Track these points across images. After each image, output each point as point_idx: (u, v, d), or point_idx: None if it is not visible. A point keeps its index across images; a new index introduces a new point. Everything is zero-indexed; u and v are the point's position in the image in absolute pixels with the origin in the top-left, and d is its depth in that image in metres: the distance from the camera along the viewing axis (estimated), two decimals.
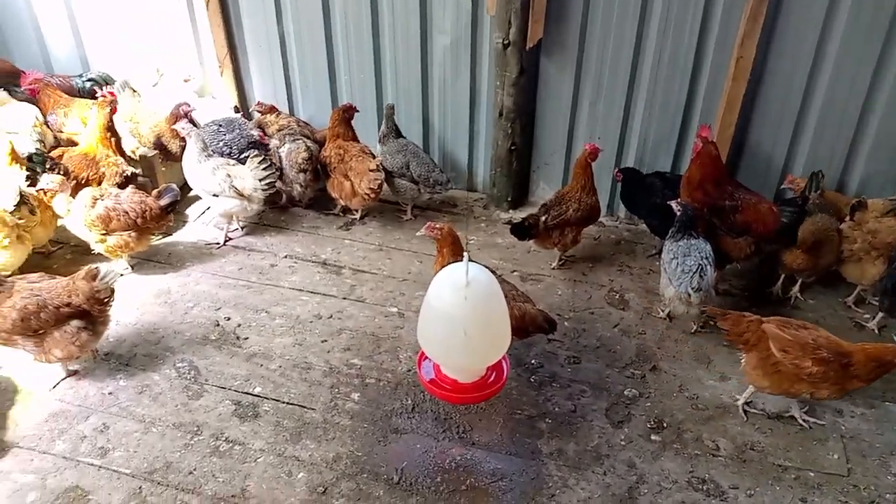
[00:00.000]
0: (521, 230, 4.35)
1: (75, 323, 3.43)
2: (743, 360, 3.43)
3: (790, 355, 3.18)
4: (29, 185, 4.10)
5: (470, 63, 4.89)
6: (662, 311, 4.14)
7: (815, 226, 4.05)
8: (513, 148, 4.90)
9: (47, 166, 4.20)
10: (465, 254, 2.92)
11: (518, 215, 5.06)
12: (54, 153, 4.51)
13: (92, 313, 3.47)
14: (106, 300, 3.49)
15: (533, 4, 4.33)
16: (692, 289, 3.69)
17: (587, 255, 4.72)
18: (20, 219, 3.99)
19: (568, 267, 4.60)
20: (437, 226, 3.65)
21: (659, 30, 4.41)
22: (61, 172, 4.27)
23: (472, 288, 2.85)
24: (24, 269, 3.99)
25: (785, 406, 3.50)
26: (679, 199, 4.03)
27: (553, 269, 4.57)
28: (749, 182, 4.35)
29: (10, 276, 3.59)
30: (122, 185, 4.48)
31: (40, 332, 3.38)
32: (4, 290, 3.36)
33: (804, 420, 3.44)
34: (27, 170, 4.12)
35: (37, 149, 4.40)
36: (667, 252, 3.93)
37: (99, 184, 4.44)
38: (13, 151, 4.15)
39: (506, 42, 4.46)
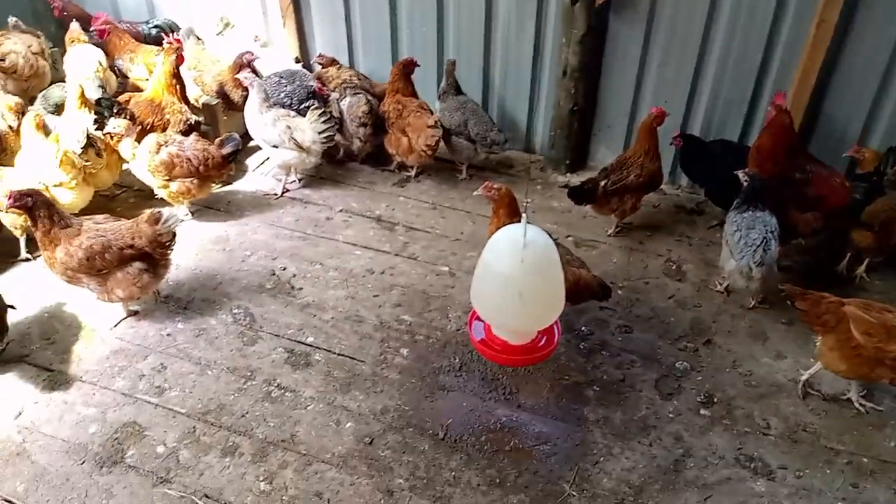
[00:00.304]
0: (580, 194, 4.26)
1: (137, 265, 3.53)
2: (818, 342, 3.31)
3: (873, 339, 3.03)
4: (97, 129, 4.20)
5: (535, 19, 4.74)
6: (720, 284, 4.03)
7: (887, 204, 3.84)
8: (574, 109, 4.77)
9: (114, 111, 4.29)
10: (523, 215, 2.88)
11: (576, 179, 4.96)
12: (121, 98, 4.61)
13: (153, 256, 3.57)
14: (167, 244, 3.58)
15: None
16: (754, 263, 3.56)
17: (645, 223, 4.61)
18: (87, 161, 4.10)
19: (624, 234, 4.50)
20: (495, 186, 3.61)
21: None
22: (128, 117, 4.35)
23: (530, 250, 2.82)
24: (90, 210, 4.11)
25: (842, 388, 3.38)
26: (747, 169, 3.88)
27: (609, 235, 4.48)
28: (820, 154, 4.15)
29: (75, 215, 3.71)
30: (185, 133, 4.56)
31: (103, 271, 3.50)
32: (73, 229, 3.48)
33: (861, 404, 3.32)
34: (95, 114, 4.22)
35: (104, 93, 4.49)
36: (730, 224, 3.80)
37: (163, 130, 4.53)
38: (83, 95, 4.25)
39: None
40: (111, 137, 4.18)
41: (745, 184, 3.80)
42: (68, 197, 4.05)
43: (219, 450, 3.06)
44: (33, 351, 3.56)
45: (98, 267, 3.46)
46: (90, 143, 4.10)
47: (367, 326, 3.76)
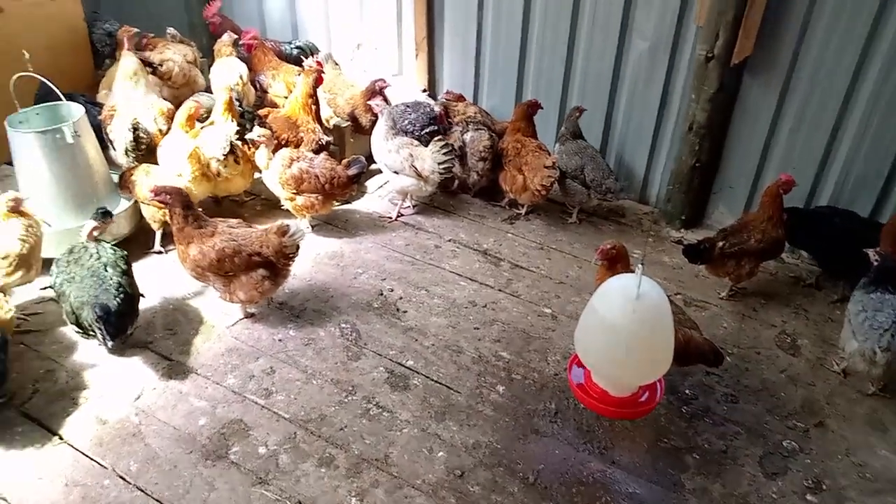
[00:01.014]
0: (695, 253, 4.18)
1: (261, 271, 3.73)
2: None
3: None
4: (238, 138, 4.49)
5: (665, 72, 4.74)
6: (838, 364, 3.84)
7: None
8: (696, 165, 4.70)
9: (255, 123, 4.57)
10: (639, 266, 2.86)
11: (690, 236, 4.87)
12: (260, 112, 4.91)
13: (276, 265, 3.76)
14: (290, 255, 3.77)
15: (746, 19, 4.10)
16: (879, 348, 3.38)
17: (760, 290, 4.45)
18: (225, 166, 4.39)
19: (738, 299, 4.36)
20: (608, 247, 3.54)
21: (887, 56, 4.04)
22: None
23: (642, 302, 2.80)
24: (221, 213, 4.38)
25: None
26: (877, 248, 3.70)
27: (721, 298, 4.36)
28: None
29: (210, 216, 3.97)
30: (316, 151, 4.80)
31: (230, 273, 3.72)
32: (207, 230, 3.73)
33: None
34: (237, 125, 4.51)
35: (246, 106, 4.80)
36: (855, 303, 3.62)
37: (297, 146, 4.78)
38: (230, 104, 4.56)
39: (709, 55, 4.27)
40: (252, 145, 4.45)
41: (876, 263, 3.62)
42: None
43: (316, 459, 3.17)
44: (156, 339, 3.81)
45: (226, 269, 3.69)
46: (231, 150, 4.39)
47: (466, 358, 3.81)
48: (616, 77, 4.97)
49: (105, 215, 3.76)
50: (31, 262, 3.73)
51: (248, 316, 3.99)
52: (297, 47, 5.90)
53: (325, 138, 4.91)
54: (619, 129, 5.17)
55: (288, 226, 3.74)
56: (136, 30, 5.12)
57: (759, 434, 3.44)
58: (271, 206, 4.84)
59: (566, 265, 4.63)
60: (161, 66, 5.23)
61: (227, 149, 4.35)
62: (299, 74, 4.95)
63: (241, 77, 5.27)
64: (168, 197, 3.71)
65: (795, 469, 3.27)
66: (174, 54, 5.35)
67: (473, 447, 3.28)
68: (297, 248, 3.78)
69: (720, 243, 4.11)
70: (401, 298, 4.21)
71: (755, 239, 4.09)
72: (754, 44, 4.27)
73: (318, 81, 4.89)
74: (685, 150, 4.71)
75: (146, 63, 5.06)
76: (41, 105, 4.32)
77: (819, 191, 4.59)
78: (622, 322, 2.92)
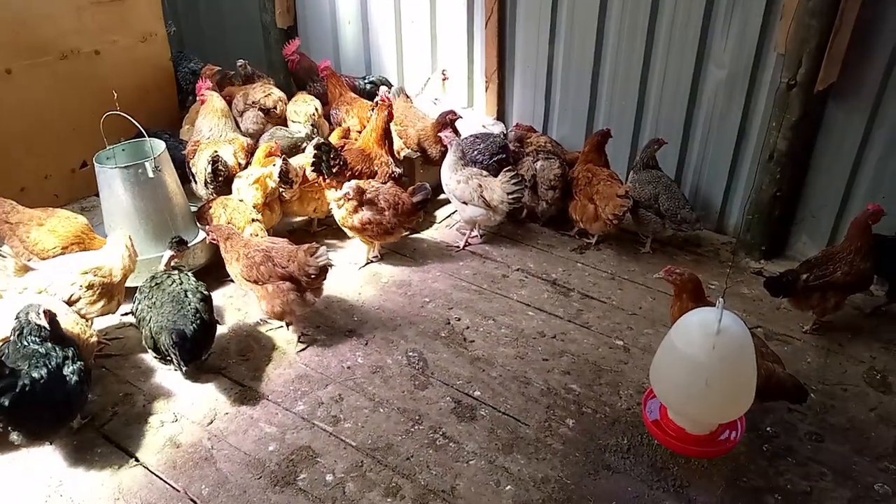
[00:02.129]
0: (778, 285, 3.99)
1: (287, 284, 3.85)
2: None
3: None
4: (313, 170, 4.61)
5: (744, 101, 4.61)
6: None
7: None
8: (777, 194, 4.52)
9: (332, 155, 4.68)
10: (719, 300, 2.76)
11: (770, 267, 4.67)
12: (336, 144, 5.04)
13: (301, 281, 3.88)
14: (313, 275, 3.85)
15: (831, 46, 3.96)
16: None
17: (846, 324, 4.21)
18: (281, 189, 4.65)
19: (822, 333, 4.14)
20: (677, 270, 3.48)
21: None
22: (342, 163, 4.71)
23: (724, 337, 2.69)
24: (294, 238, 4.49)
25: None
26: None
27: (805, 332, 4.14)
28: None
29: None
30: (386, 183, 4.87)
31: (259, 282, 3.88)
32: (236, 239, 4.01)
33: None
34: (314, 157, 4.62)
35: (317, 135, 4.94)
36: None
37: (370, 178, 4.87)
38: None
39: (791, 82, 4.14)
40: (345, 199, 4.53)
41: None
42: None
43: (382, 488, 3.15)
44: (230, 365, 3.90)
45: (254, 277, 3.88)
46: (286, 178, 4.63)
47: (534, 390, 3.74)
48: (692, 106, 4.88)
49: (180, 244, 3.94)
50: (114, 293, 3.90)
51: (307, 342, 4.08)
52: (371, 82, 6.06)
53: (397, 170, 4.99)
54: (696, 159, 5.04)
55: (317, 247, 3.88)
56: (218, 68, 5.37)
57: (848, 476, 3.22)
58: (343, 234, 4.91)
59: (639, 296, 4.51)
60: (276, 108, 5.47)
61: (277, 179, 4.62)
62: (373, 109, 5.07)
63: (316, 110, 5.45)
64: (212, 235, 4.09)
65: None
66: (280, 93, 5.58)
67: (542, 482, 3.19)
68: (321, 269, 3.86)
69: (804, 275, 3.92)
70: (468, 328, 4.19)
71: (842, 271, 3.88)
72: (840, 71, 4.11)
73: (390, 117, 4.99)
74: (765, 179, 4.54)
75: (263, 110, 5.37)
76: (127, 141, 4.56)
77: None
78: (702, 358, 2.81)
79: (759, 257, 4.80)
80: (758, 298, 4.42)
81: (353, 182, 4.51)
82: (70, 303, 3.71)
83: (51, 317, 3.22)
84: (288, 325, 4.12)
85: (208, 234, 4.15)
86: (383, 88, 5.27)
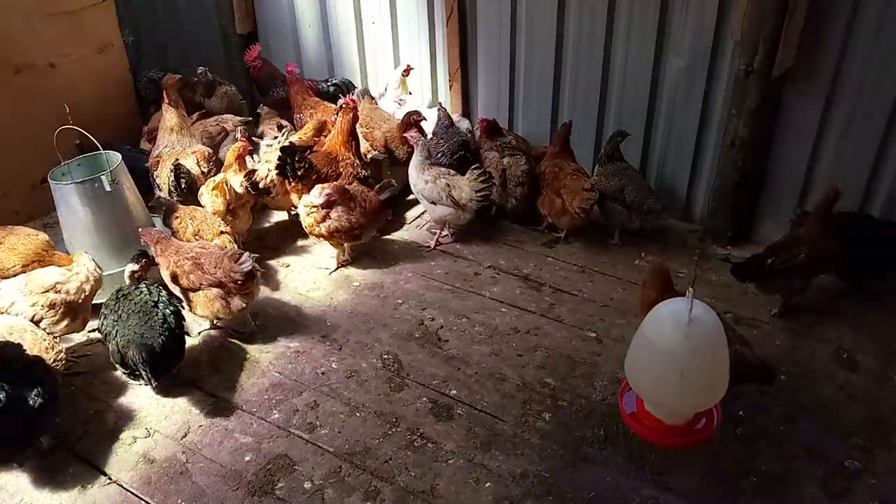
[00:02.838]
0: (744, 271, 4.05)
1: (215, 291, 3.84)
2: None
3: None
4: (278, 174, 4.57)
5: (704, 89, 4.66)
6: None
7: None
8: (741, 180, 4.58)
9: (297, 159, 4.63)
10: (689, 290, 2.78)
11: (737, 252, 4.72)
12: (309, 141, 5.00)
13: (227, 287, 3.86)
14: (240, 281, 3.82)
15: (786, 30, 4.02)
16: None
17: (814, 305, 4.27)
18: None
19: (790, 316, 4.20)
20: (647, 258, 3.54)
21: None
22: (307, 165, 4.68)
23: (695, 327, 2.71)
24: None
25: None
26: None
27: (773, 315, 4.20)
28: None
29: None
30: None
31: (192, 289, 3.89)
32: (165, 243, 4.01)
33: None
34: (279, 160, 4.57)
35: (290, 142, 4.88)
36: None
37: (336, 180, 4.83)
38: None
39: (749, 69, 4.19)
40: (314, 208, 4.51)
41: None
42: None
43: (361, 492, 3.13)
44: (202, 376, 3.85)
45: (186, 285, 3.89)
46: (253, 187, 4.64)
47: (510, 385, 3.74)
48: (653, 95, 4.92)
49: (142, 256, 3.87)
50: (78, 311, 3.83)
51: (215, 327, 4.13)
52: (334, 84, 6.01)
53: (364, 172, 4.96)
54: (659, 148, 5.09)
55: (241, 253, 3.87)
56: (178, 76, 5.29)
57: (820, 455, 3.28)
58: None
59: (610, 288, 4.54)
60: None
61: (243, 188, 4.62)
62: (337, 112, 5.03)
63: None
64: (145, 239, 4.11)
65: (861, 491, 3.10)
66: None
67: (521, 476, 3.20)
68: (246, 275, 3.83)
69: (769, 260, 3.97)
70: (442, 327, 4.18)
71: (806, 254, 3.94)
72: (795, 55, 4.17)
73: (355, 119, 4.96)
74: (728, 166, 4.60)
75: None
76: (82, 156, 4.48)
77: (871, 198, 4.42)
78: (675, 349, 2.83)
79: (725, 243, 4.86)
80: (726, 285, 4.47)
81: (333, 185, 4.50)
82: (35, 322, 3.63)
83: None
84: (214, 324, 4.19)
85: (141, 239, 4.10)
86: (342, 101, 5.22)
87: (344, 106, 4.95)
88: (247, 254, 3.88)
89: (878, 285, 4.34)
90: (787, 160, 4.58)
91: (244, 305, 3.94)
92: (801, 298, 4.18)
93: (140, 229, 4.18)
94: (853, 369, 3.80)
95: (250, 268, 3.83)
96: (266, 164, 4.83)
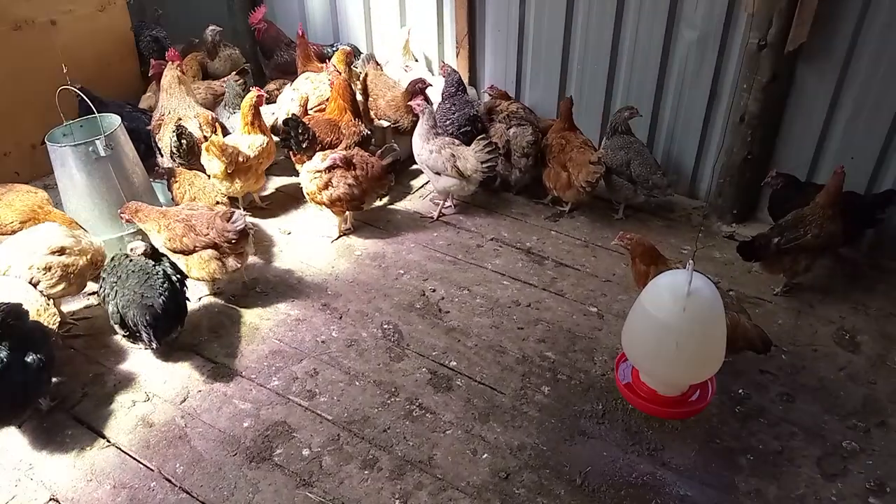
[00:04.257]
0: (749, 250, 4.01)
1: (209, 252, 3.85)
2: None
3: None
4: (283, 146, 4.51)
5: (715, 62, 4.57)
6: None
7: None
8: (749, 157, 4.52)
9: (300, 130, 4.58)
10: (689, 262, 2.76)
11: (742, 230, 4.69)
12: (305, 118, 4.94)
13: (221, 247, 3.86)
14: (233, 240, 3.82)
15: (801, 5, 3.93)
16: None
17: (817, 285, 4.26)
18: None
19: (792, 295, 4.18)
20: (628, 236, 3.59)
21: None
22: (310, 136, 4.63)
23: (694, 300, 2.69)
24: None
25: None
26: None
27: (775, 294, 4.18)
28: None
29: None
30: (358, 144, 4.79)
31: (186, 252, 3.88)
32: (146, 210, 3.97)
33: None
34: (283, 132, 4.52)
35: (292, 114, 4.82)
36: None
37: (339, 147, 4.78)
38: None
39: (762, 43, 4.11)
40: (322, 165, 4.45)
41: None
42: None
43: (359, 461, 3.15)
44: (202, 342, 3.85)
45: (180, 248, 3.87)
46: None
47: (510, 358, 3.74)
48: (663, 69, 4.83)
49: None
50: (76, 276, 3.78)
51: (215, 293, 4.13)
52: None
53: (367, 131, 4.88)
54: (667, 123, 5.01)
55: (233, 212, 3.85)
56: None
57: (817, 434, 3.29)
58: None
59: (612, 263, 4.51)
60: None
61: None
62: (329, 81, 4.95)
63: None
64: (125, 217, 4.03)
65: (856, 471, 3.11)
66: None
67: (518, 449, 3.21)
68: (240, 234, 3.83)
69: (776, 239, 3.94)
70: (443, 298, 4.17)
71: (812, 234, 3.90)
72: (810, 30, 4.08)
73: (347, 85, 4.90)
74: (737, 142, 4.54)
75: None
76: (85, 118, 4.42)
77: (881, 178, 4.36)
78: (671, 320, 2.82)
79: (730, 221, 4.82)
80: (729, 262, 4.45)
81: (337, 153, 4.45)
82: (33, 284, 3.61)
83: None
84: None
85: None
86: (332, 67, 5.11)
87: (330, 87, 4.90)
88: (238, 212, 3.87)
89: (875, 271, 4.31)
90: (796, 138, 4.52)
91: (239, 265, 3.95)
92: (804, 278, 4.16)
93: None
94: (854, 350, 3.79)
95: (243, 226, 3.82)
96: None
